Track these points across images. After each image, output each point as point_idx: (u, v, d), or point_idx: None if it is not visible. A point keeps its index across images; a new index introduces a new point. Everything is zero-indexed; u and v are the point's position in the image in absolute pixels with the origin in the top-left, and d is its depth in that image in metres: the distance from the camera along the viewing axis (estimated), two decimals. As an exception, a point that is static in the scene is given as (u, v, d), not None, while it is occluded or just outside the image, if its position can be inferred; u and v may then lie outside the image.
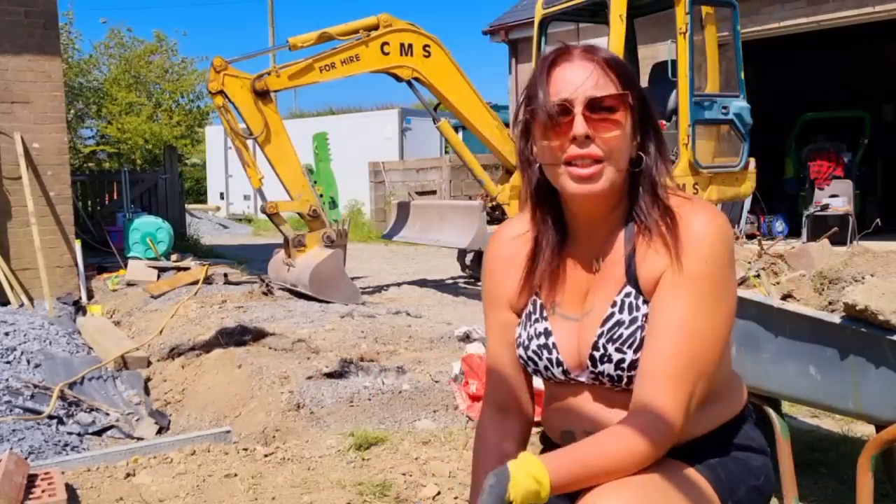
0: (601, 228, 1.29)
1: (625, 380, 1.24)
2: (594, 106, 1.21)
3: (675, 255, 1.20)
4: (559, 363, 1.30)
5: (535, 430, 1.49)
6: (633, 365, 1.22)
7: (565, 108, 1.21)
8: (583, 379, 1.29)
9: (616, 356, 1.23)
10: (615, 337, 1.23)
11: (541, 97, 1.23)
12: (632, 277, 1.25)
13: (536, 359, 1.33)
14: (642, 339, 1.21)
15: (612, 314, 1.25)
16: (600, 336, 1.24)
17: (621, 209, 1.28)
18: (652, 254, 1.23)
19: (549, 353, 1.31)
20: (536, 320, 1.34)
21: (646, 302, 1.23)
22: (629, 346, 1.22)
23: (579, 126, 1.20)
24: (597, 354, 1.25)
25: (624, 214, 1.28)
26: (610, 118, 1.22)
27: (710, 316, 1.18)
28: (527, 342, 1.35)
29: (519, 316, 1.40)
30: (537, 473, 1.11)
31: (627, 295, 1.24)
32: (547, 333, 1.32)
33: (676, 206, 1.24)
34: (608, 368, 1.24)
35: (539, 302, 1.35)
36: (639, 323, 1.23)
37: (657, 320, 1.20)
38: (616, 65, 1.25)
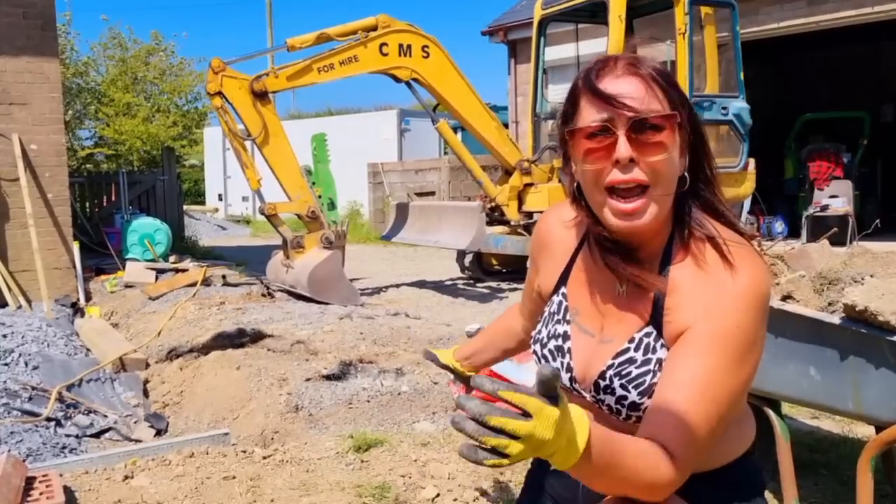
0: (638, 253, 1.23)
1: (623, 415, 1.21)
2: (639, 126, 1.12)
3: (707, 312, 1.13)
4: (569, 369, 1.28)
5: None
6: (634, 405, 1.19)
7: (607, 129, 1.13)
8: (585, 395, 1.28)
9: (619, 392, 1.20)
10: (623, 373, 1.20)
11: (581, 115, 1.15)
12: (657, 319, 1.19)
13: (550, 358, 1.32)
14: (651, 385, 1.17)
15: (626, 349, 1.20)
16: (609, 367, 1.21)
17: (664, 235, 1.21)
18: (683, 301, 1.16)
19: (563, 356, 1.29)
20: (558, 321, 1.32)
21: (664, 346, 1.18)
22: (635, 387, 1.18)
23: (623, 149, 1.11)
24: (602, 383, 1.22)
25: (664, 242, 1.21)
26: (656, 140, 1.12)
27: (733, 377, 1.12)
28: (545, 340, 1.33)
29: (542, 301, 1.39)
30: (583, 423, 0.98)
31: (648, 335, 1.20)
32: (566, 337, 1.30)
33: (721, 249, 1.16)
34: (609, 400, 1.22)
35: (565, 304, 1.32)
36: (651, 367, 1.18)
37: (676, 375, 1.12)
38: (664, 79, 1.16)
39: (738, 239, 1.19)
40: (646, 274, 1.20)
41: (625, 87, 1.14)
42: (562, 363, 1.30)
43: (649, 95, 1.13)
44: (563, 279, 1.34)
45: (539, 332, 1.36)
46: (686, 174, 1.19)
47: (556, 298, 1.35)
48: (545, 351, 1.33)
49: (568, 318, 1.31)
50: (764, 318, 1.15)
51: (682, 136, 1.17)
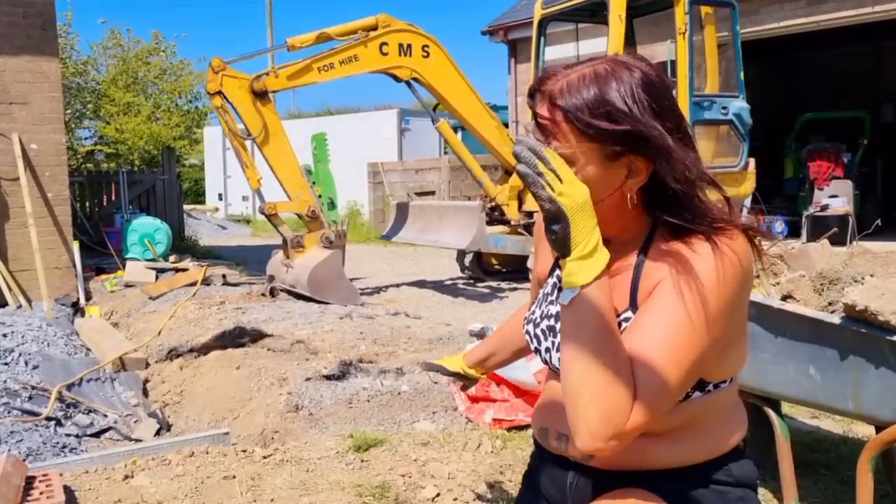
0: (617, 238, 1.26)
1: None
2: None
3: (674, 270, 1.16)
4: (559, 349, 1.29)
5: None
6: None
7: None
8: None
9: None
10: None
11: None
12: (633, 301, 1.22)
13: (542, 338, 1.34)
14: None
15: None
16: None
17: (637, 227, 1.24)
18: (653, 270, 1.20)
19: (555, 336, 1.31)
20: (551, 302, 1.34)
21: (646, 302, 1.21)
22: None
23: None
24: None
25: (643, 232, 1.24)
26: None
27: (698, 331, 1.13)
28: (538, 320, 1.35)
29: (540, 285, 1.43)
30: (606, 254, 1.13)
31: (626, 319, 1.22)
32: (557, 317, 1.31)
33: (693, 233, 1.19)
34: None
35: (559, 285, 1.33)
36: None
37: (640, 323, 1.16)
38: (576, 116, 1.16)
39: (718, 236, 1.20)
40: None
41: (543, 111, 1.20)
42: (553, 342, 1.31)
43: (554, 129, 1.18)
44: (557, 262, 1.37)
45: (532, 312, 1.39)
46: (631, 196, 1.19)
47: (550, 280, 1.38)
48: (538, 331, 1.35)
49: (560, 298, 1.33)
50: (738, 285, 1.16)
51: (606, 163, 1.17)
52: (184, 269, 8.03)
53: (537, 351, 1.36)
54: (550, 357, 1.32)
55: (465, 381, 1.89)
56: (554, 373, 1.35)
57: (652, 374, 1.10)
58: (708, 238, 1.17)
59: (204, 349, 4.99)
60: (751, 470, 1.32)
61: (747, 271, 1.19)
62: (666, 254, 1.20)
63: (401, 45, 7.10)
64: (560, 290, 1.32)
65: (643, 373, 1.11)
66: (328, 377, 4.13)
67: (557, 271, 1.36)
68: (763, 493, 2.84)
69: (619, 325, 1.20)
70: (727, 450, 1.28)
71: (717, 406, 1.25)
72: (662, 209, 1.21)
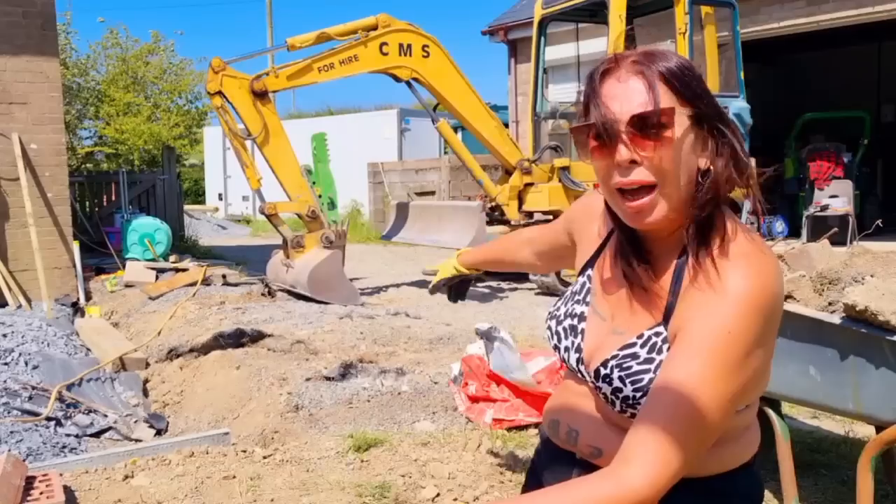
0: (658, 245, 1.22)
1: (617, 407, 1.21)
2: (640, 125, 1.11)
3: (698, 315, 1.11)
4: (579, 349, 1.29)
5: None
6: (628, 400, 1.19)
7: (609, 131, 1.12)
8: (587, 379, 1.28)
9: (616, 383, 1.19)
10: (624, 366, 1.19)
11: (590, 114, 1.16)
12: (668, 319, 1.18)
13: (563, 336, 1.32)
14: (648, 383, 1.16)
15: (633, 343, 1.20)
16: (613, 357, 1.21)
17: (680, 233, 1.19)
18: (688, 301, 1.15)
19: (576, 336, 1.30)
20: (577, 301, 1.33)
21: (670, 349, 1.17)
22: (631, 382, 1.18)
23: (622, 152, 1.12)
24: (602, 371, 1.22)
25: (681, 240, 1.19)
26: (658, 137, 1.11)
27: (721, 383, 1.09)
28: (562, 317, 1.34)
29: (558, 254, 1.54)
30: None
31: (657, 334, 1.19)
32: (581, 318, 1.30)
33: (729, 252, 1.13)
34: (606, 389, 1.22)
35: (588, 286, 1.33)
36: (651, 366, 1.17)
37: (664, 376, 1.12)
38: (672, 76, 1.12)
39: (751, 240, 1.17)
40: (648, 277, 1.21)
41: (627, 87, 1.13)
42: (573, 342, 1.30)
43: (652, 94, 1.12)
44: (590, 262, 1.35)
45: (557, 308, 1.37)
46: (711, 169, 1.16)
47: (580, 279, 1.36)
48: (559, 328, 1.33)
49: (587, 300, 1.32)
50: (764, 327, 1.11)
51: (696, 132, 1.14)
52: (184, 269, 8.03)
53: (556, 349, 1.35)
54: (569, 356, 1.31)
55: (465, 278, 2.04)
56: (570, 373, 1.35)
57: (666, 435, 1.06)
58: (729, 264, 1.12)
59: (204, 349, 4.99)
60: (757, 487, 1.29)
61: (772, 300, 1.12)
62: (696, 279, 1.15)
63: (401, 45, 7.10)
64: (589, 290, 1.32)
65: (657, 434, 1.07)
66: (328, 377, 4.13)
67: (589, 271, 1.34)
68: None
69: (649, 339, 1.18)
70: (735, 466, 1.26)
71: (730, 427, 1.22)
72: (699, 207, 1.16)
